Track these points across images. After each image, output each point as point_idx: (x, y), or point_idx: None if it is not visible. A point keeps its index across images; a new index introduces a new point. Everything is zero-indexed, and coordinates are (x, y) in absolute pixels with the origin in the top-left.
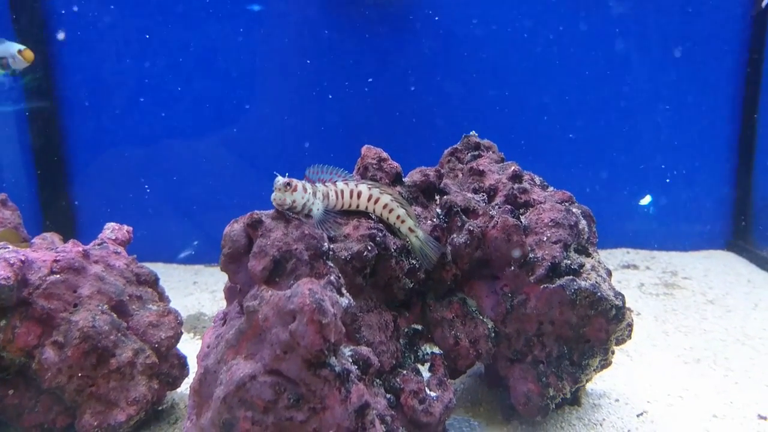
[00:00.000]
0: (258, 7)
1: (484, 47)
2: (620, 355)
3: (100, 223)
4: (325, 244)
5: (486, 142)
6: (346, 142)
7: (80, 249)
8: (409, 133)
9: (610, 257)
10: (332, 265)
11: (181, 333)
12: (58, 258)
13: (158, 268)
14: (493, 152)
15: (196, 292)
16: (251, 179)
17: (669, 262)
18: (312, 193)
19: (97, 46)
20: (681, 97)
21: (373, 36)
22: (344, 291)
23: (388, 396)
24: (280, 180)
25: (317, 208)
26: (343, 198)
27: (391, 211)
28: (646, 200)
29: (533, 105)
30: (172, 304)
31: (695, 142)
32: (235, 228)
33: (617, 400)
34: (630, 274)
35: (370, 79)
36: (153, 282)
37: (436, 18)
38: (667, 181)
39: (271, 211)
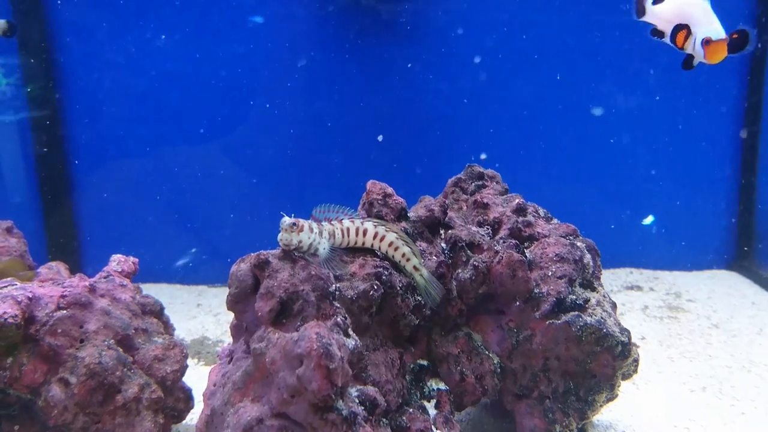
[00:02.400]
0: (261, 18)
1: (492, 65)
2: (626, 383)
3: (104, 237)
4: (332, 284)
5: (489, 171)
6: (355, 153)
7: (86, 283)
8: (417, 147)
9: (614, 277)
10: (339, 305)
11: (187, 366)
12: (65, 293)
13: (162, 289)
14: (497, 182)
15: (200, 315)
16: (260, 196)
17: (673, 282)
18: (318, 232)
19: (102, 55)
20: (684, 116)
21: (378, 51)
22: (351, 332)
23: None
24: (286, 220)
25: (323, 248)
26: (348, 236)
27: (396, 249)
28: (649, 220)
29: (535, 124)
30: (176, 328)
31: (699, 162)
32: (242, 268)
33: None
34: (634, 296)
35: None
36: (158, 312)
37: (447, 33)
38: (671, 200)
39: (277, 251)
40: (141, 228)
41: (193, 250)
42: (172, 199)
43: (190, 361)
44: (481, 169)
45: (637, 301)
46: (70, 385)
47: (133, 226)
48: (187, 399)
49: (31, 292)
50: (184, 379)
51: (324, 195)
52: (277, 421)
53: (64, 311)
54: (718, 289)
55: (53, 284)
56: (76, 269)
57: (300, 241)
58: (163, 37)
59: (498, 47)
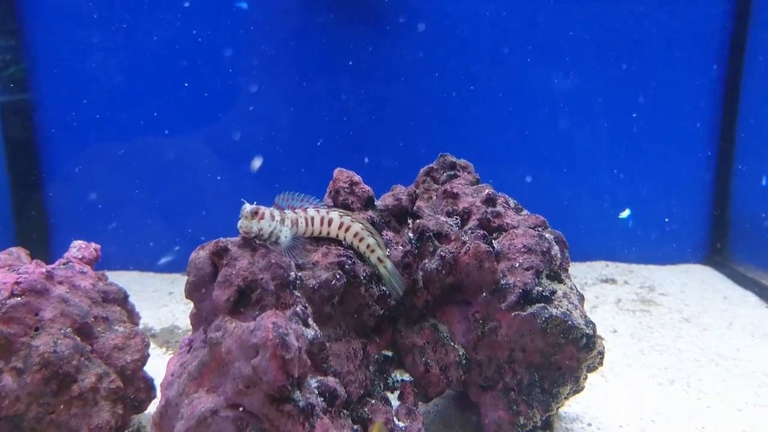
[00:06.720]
0: (244, 4)
1: (468, 54)
2: (594, 375)
3: (75, 225)
4: (292, 273)
5: (462, 161)
6: (331, 142)
7: (43, 270)
8: (395, 133)
9: (590, 270)
10: (299, 294)
11: (148, 355)
12: (19, 280)
13: (133, 276)
14: (469, 172)
15: (171, 303)
16: (234, 183)
17: (647, 276)
18: (280, 220)
19: (76, 40)
20: (660, 110)
21: (360, 36)
22: (310, 322)
23: (356, 427)
24: (247, 207)
25: (285, 236)
26: (313, 225)
27: (361, 240)
28: (626, 213)
29: (513, 116)
30: (146, 316)
31: (674, 156)
32: (200, 255)
33: (590, 425)
34: (608, 289)
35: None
36: (122, 300)
37: (425, 20)
38: (647, 194)
39: (237, 239)
40: (113, 215)
41: (177, 248)
42: (146, 186)
43: (158, 351)
44: (454, 159)
45: (611, 294)
46: (22, 374)
47: (105, 214)
48: (148, 389)
49: None
50: (151, 369)
51: (299, 184)
52: (232, 413)
53: (18, 298)
54: (691, 284)
55: (8, 270)
56: (46, 257)
57: (261, 229)
58: (138, 23)
59: (476, 36)
